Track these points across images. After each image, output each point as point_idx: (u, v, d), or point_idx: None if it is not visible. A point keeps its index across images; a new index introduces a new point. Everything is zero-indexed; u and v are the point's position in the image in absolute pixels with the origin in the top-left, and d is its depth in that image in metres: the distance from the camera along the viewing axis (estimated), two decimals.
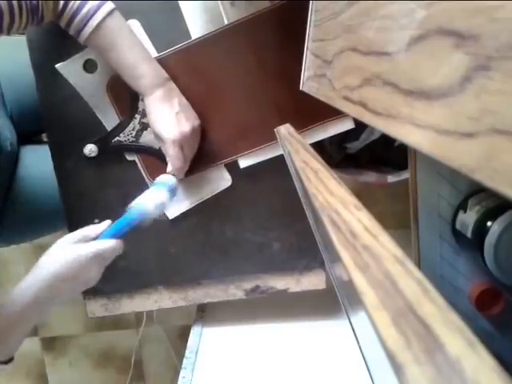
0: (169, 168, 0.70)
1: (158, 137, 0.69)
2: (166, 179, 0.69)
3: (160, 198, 0.66)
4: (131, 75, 0.67)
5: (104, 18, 0.63)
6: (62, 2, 0.62)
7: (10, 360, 0.59)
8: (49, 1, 0.61)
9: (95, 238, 0.63)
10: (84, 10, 0.62)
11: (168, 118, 0.67)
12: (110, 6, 0.64)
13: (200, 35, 0.70)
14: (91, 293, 0.85)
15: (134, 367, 1.51)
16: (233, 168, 0.77)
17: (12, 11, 0.58)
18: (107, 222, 0.65)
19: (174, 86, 0.69)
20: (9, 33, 0.60)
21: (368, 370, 0.24)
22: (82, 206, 0.79)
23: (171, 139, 0.66)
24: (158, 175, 0.75)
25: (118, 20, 0.65)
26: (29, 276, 0.58)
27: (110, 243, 0.62)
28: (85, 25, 0.63)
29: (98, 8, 0.63)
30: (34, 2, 0.60)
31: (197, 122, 0.71)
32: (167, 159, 0.70)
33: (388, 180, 0.83)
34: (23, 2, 0.58)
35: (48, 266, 0.58)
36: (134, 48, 0.66)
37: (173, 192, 0.69)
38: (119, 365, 1.62)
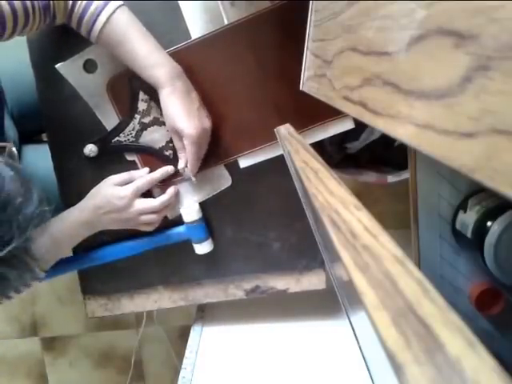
0: (181, 164, 0.69)
1: (174, 132, 0.67)
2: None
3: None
4: (146, 64, 0.64)
5: (113, 12, 0.63)
6: (70, 3, 0.63)
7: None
8: (60, 1, 0.62)
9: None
10: (91, 9, 0.63)
11: (191, 113, 0.65)
12: (117, 2, 0.64)
13: (200, 35, 0.70)
14: (91, 293, 0.85)
15: (134, 367, 1.51)
16: (233, 168, 0.77)
17: (27, 12, 0.58)
18: (146, 170, 0.74)
19: (187, 78, 0.68)
20: (20, 33, 0.60)
21: (368, 370, 0.24)
22: None
23: (193, 136, 0.64)
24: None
25: (126, 14, 0.65)
26: (80, 203, 0.72)
27: (141, 180, 0.71)
28: (94, 22, 0.63)
29: (106, 5, 0.63)
30: (46, 1, 0.60)
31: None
32: (182, 155, 0.69)
33: (388, 180, 0.83)
34: (35, 2, 0.59)
35: (94, 197, 0.71)
36: (147, 38, 0.65)
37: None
38: (119, 365, 1.62)
